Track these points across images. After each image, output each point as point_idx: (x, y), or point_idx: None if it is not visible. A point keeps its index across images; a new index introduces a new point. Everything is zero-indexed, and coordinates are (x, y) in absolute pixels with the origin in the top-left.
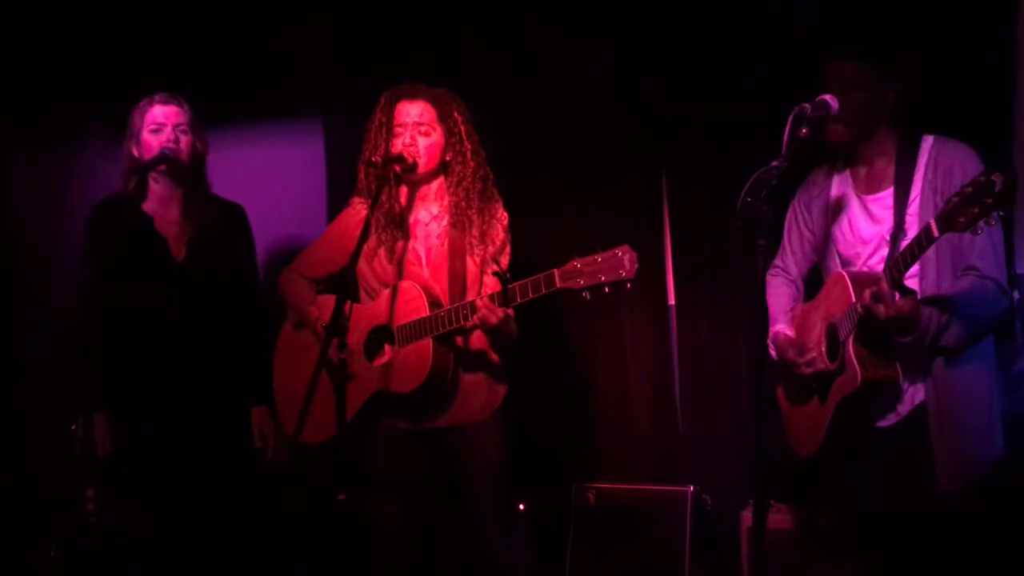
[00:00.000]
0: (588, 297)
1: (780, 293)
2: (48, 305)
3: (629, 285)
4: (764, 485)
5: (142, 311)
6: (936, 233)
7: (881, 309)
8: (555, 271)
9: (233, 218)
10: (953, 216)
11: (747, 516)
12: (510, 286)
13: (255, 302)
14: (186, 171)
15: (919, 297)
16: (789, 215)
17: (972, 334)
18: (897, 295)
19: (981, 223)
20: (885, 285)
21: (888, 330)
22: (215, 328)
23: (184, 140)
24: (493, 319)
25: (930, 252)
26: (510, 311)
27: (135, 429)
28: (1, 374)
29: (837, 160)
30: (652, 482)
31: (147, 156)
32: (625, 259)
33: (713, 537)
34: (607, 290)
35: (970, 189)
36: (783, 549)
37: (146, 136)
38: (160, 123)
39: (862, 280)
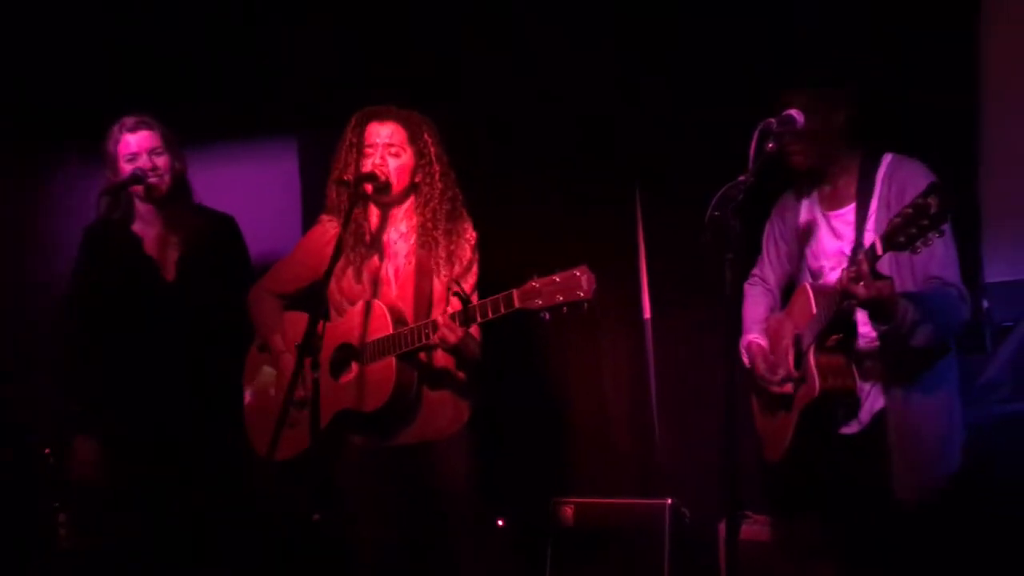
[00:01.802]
0: (548, 318)
1: (756, 303)
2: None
3: (587, 306)
4: (736, 496)
5: (133, 333)
6: (880, 252)
7: (860, 288)
8: (514, 291)
9: (224, 230)
10: (894, 236)
11: (724, 528)
12: (470, 306)
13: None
14: (167, 190)
15: None
16: (767, 226)
17: (940, 336)
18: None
19: (919, 243)
20: (864, 265)
21: (869, 314)
22: (207, 347)
23: (161, 162)
24: (453, 338)
25: (890, 263)
26: (471, 330)
27: (121, 452)
28: None
29: (803, 183)
30: (630, 496)
31: None
32: (583, 280)
33: (692, 549)
34: (565, 310)
35: (910, 210)
36: (759, 560)
37: (122, 165)
38: (133, 152)
39: (824, 291)
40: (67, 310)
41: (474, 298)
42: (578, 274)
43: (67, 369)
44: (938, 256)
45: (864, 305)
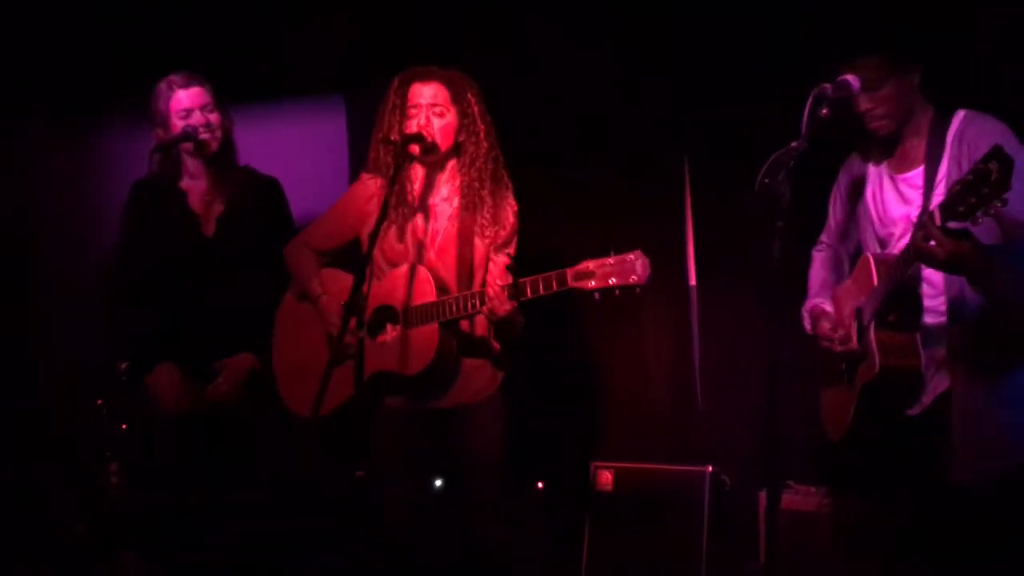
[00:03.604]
0: (598, 298)
1: (822, 269)
2: (68, 288)
3: (639, 291)
4: (777, 465)
5: (174, 286)
6: (938, 222)
7: (936, 248)
8: (567, 270)
9: (267, 193)
10: (953, 205)
11: (765, 496)
12: (520, 280)
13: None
14: (218, 147)
15: None
16: (833, 190)
17: None
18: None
19: (979, 213)
20: (933, 223)
21: (947, 274)
22: (243, 304)
23: (214, 118)
24: (502, 311)
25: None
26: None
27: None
28: (20, 357)
29: (869, 145)
30: (670, 462)
31: None
32: (637, 264)
33: (732, 517)
34: (617, 293)
35: (970, 177)
36: (803, 530)
37: (175, 122)
38: (187, 108)
39: (887, 262)
40: (116, 263)
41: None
42: (632, 258)
43: (119, 317)
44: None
45: (945, 267)
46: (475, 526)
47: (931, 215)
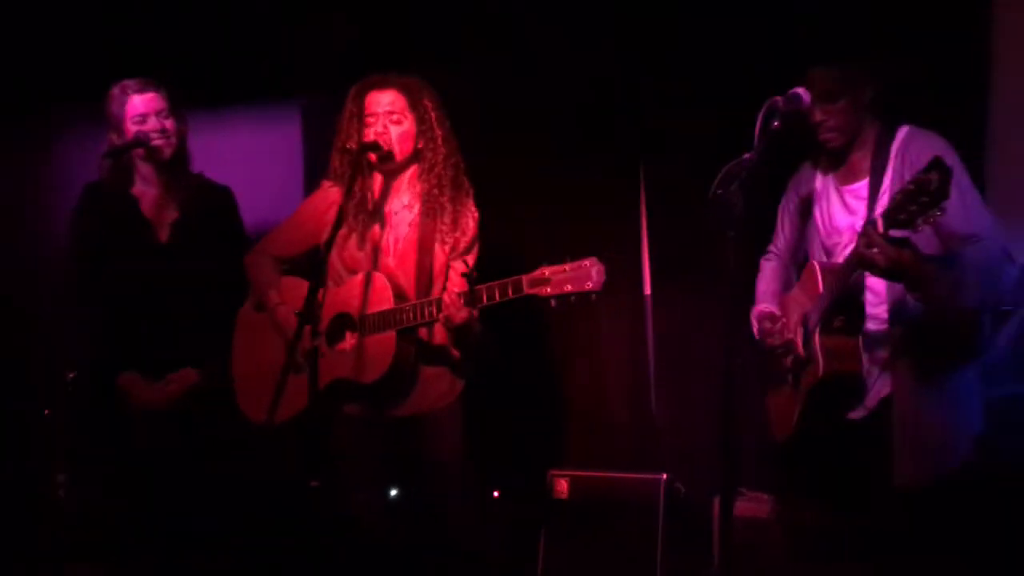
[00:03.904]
0: (554, 305)
1: (770, 277)
2: (25, 288)
3: (594, 297)
4: (732, 472)
5: (127, 293)
6: (880, 229)
7: (876, 255)
8: (523, 277)
9: (220, 200)
10: (895, 213)
11: (718, 503)
12: (477, 287)
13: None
14: (172, 152)
15: None
16: (783, 200)
17: (988, 294)
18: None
19: (919, 220)
20: (880, 228)
21: (888, 281)
22: (197, 311)
23: (169, 124)
24: (458, 318)
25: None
26: (475, 311)
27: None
28: None
29: (819, 157)
30: (626, 470)
31: None
32: (593, 271)
33: (686, 525)
34: (573, 300)
35: (911, 186)
36: (754, 536)
37: (129, 127)
38: (142, 113)
39: (832, 270)
40: (67, 266)
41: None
42: (588, 264)
43: (74, 322)
44: (961, 212)
45: (885, 274)
46: (437, 532)
47: (874, 223)
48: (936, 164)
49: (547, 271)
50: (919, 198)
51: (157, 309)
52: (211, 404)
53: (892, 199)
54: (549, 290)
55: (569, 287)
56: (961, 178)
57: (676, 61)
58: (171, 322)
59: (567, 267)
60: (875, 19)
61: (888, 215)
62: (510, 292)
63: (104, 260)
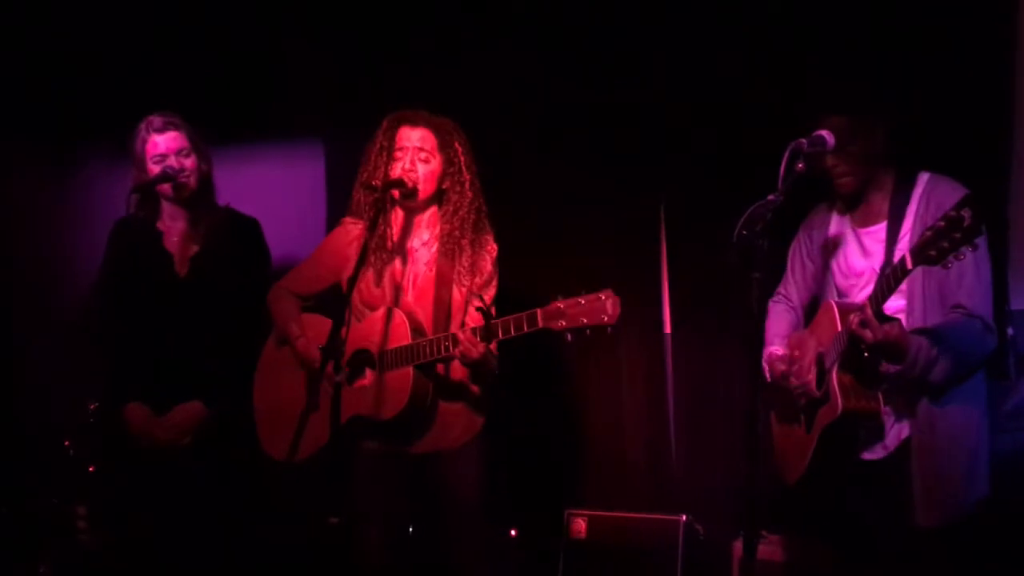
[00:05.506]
0: (570, 339)
1: (779, 319)
2: (48, 319)
3: (610, 331)
4: (755, 516)
5: (141, 326)
6: (909, 266)
7: (868, 334)
8: (538, 311)
9: (245, 233)
10: (925, 249)
11: (739, 547)
12: (492, 322)
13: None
14: (193, 191)
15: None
16: (794, 245)
17: (960, 370)
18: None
19: (951, 257)
20: (870, 311)
21: (877, 357)
22: (213, 343)
23: (188, 163)
24: (474, 353)
25: (916, 287)
26: (491, 346)
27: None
28: None
29: (835, 200)
30: (645, 511)
31: None
32: (608, 304)
33: (705, 567)
34: (588, 333)
35: (942, 223)
36: None
37: (150, 166)
38: (162, 153)
39: (849, 310)
40: (94, 300)
41: (492, 312)
42: (603, 298)
43: (94, 355)
44: (967, 283)
45: (872, 349)
46: (453, 571)
47: (866, 305)
48: (968, 201)
49: (562, 304)
50: (951, 234)
51: (169, 342)
52: (227, 440)
53: (922, 235)
54: (564, 323)
55: (584, 320)
56: (980, 243)
57: (697, 97)
58: (182, 356)
59: (582, 300)
60: (893, 61)
61: (917, 251)
62: (525, 326)
63: (125, 293)
